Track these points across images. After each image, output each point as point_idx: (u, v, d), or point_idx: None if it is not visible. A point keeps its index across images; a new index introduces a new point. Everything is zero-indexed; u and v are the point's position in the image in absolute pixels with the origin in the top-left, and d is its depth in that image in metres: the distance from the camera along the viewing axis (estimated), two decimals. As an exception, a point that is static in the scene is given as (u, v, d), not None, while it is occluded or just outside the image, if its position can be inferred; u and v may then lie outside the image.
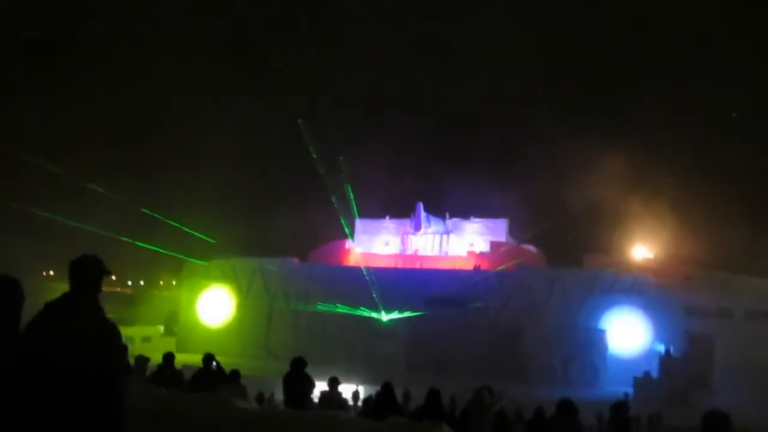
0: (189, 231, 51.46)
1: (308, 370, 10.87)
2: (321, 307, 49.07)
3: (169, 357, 11.84)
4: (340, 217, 56.11)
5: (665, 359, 39.91)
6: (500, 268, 50.84)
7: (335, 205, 54.66)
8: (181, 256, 53.10)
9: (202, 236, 52.23)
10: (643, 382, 38.53)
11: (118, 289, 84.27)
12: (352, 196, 55.86)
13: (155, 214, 50.74)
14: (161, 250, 51.73)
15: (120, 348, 4.23)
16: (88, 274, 4.26)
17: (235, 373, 11.44)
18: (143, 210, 51.06)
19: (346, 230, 58.40)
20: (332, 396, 12.12)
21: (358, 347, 45.85)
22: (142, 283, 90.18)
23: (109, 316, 4.32)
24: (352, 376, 29.13)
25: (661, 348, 41.52)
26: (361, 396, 26.30)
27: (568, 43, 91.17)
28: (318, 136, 54.12)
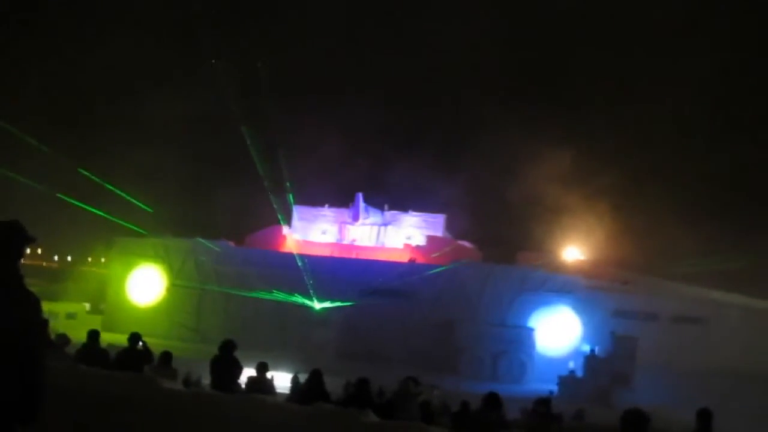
0: (126, 197, 49.90)
1: (238, 354, 10.75)
2: (254, 293, 48.57)
3: (93, 335, 11.53)
4: (273, 204, 55.51)
5: (590, 358, 40.92)
6: (434, 255, 51.30)
7: (268, 191, 54.05)
8: (117, 221, 51.15)
9: (141, 205, 50.73)
10: (567, 380, 39.42)
11: (44, 264, 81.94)
12: (288, 184, 55.40)
13: (94, 177, 49.11)
14: (96, 212, 49.85)
15: (39, 320, 4.08)
16: (7, 240, 4.07)
17: (166, 354, 11.22)
18: (82, 171, 49.27)
19: (279, 216, 57.87)
20: (260, 381, 12.01)
21: (290, 334, 45.60)
22: (69, 258, 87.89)
23: (33, 289, 4.15)
24: (283, 363, 28.93)
25: (587, 348, 42.52)
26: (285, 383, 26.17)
27: (520, 33, 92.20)
28: (258, 123, 53.44)
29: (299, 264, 48.46)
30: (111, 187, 49.17)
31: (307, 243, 56.77)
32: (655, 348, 40.94)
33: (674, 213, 58.91)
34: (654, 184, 71.73)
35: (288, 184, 55.73)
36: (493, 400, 9.00)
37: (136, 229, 51.75)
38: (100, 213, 49.33)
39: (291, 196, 57.08)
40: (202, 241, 52.98)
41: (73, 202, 48.27)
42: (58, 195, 47.33)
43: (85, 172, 48.88)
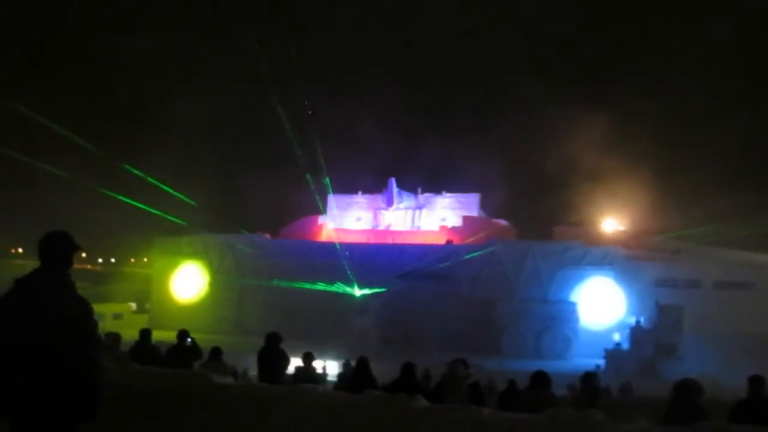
0: (168, 190, 50.74)
1: (282, 345, 10.86)
2: (294, 284, 48.94)
3: (145, 333, 11.75)
4: (314, 193, 55.93)
5: (635, 330, 40.54)
6: (470, 240, 51.12)
7: (309, 182, 54.42)
8: (158, 213, 51.88)
9: (183, 197, 51.49)
10: (613, 353, 39.16)
11: (89, 267, 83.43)
12: (326, 173, 55.68)
13: (136, 170, 50.10)
14: (138, 204, 50.77)
15: (92, 323, 4.19)
16: (58, 249, 4.20)
17: (216, 350, 11.38)
18: (125, 166, 50.28)
19: (319, 204, 58.25)
20: (307, 371, 12.14)
21: (331, 323, 45.86)
22: (113, 260, 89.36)
23: (80, 292, 4.27)
24: (325, 352, 29.19)
25: (632, 320, 42.09)
26: (330, 371, 26.41)
27: (552, 9, 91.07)
28: (292, 112, 53.75)
29: (337, 252, 48.71)
30: (153, 180, 50.01)
31: (342, 231, 56.98)
32: (700, 315, 40.33)
33: (713, 178, 57.96)
34: (692, 150, 70.50)
35: (325, 172, 56.03)
36: (541, 378, 8.96)
37: (176, 221, 52.44)
38: (142, 206, 50.19)
39: (329, 183, 57.31)
40: (240, 235, 53.52)
41: (115, 195, 49.20)
42: (100, 189, 48.24)
43: (127, 167, 49.86)
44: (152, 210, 50.68)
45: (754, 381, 7.19)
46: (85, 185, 47.73)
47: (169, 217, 51.39)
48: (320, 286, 48.76)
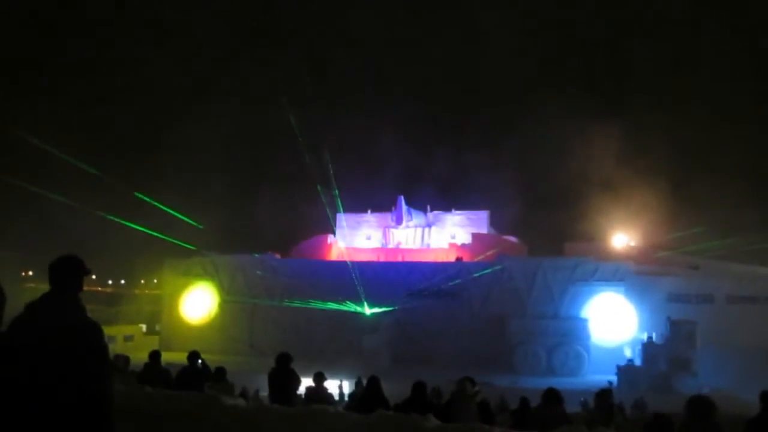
0: (175, 214, 51.07)
1: (293, 365, 10.85)
2: (304, 303, 48.94)
3: (155, 355, 11.78)
4: (326, 208, 56.13)
5: (647, 346, 40.23)
6: (479, 258, 51.04)
7: (322, 198, 54.67)
8: (167, 239, 52.26)
9: (190, 221, 51.82)
10: (626, 369, 38.84)
11: (99, 289, 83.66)
12: (336, 191, 55.90)
13: (143, 196, 50.48)
14: (148, 231, 51.11)
15: (103, 346, 4.21)
16: (68, 274, 4.23)
17: (220, 370, 11.39)
18: (136, 193, 50.71)
19: (331, 223, 58.42)
20: (318, 391, 12.11)
21: (342, 342, 45.78)
22: (122, 282, 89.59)
23: (90, 315, 4.29)
24: (337, 371, 29.12)
25: (644, 336, 41.81)
26: (346, 390, 26.34)
27: (565, 23, 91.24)
28: (303, 129, 54.13)
29: (347, 271, 48.70)
30: (161, 206, 50.31)
31: (352, 249, 56.99)
32: (713, 330, 40.02)
33: (722, 194, 57.69)
34: (703, 163, 70.30)
35: (335, 189, 56.24)
36: (552, 396, 8.93)
37: (185, 245, 52.74)
38: (151, 232, 50.44)
39: (339, 203, 57.53)
40: (249, 255, 53.61)
41: (123, 222, 49.47)
42: (108, 216, 48.53)
43: (137, 194, 50.19)
44: (161, 236, 51.04)
45: (766, 397, 7.14)
46: (94, 210, 48.02)
47: (178, 242, 51.69)
48: (331, 306, 48.71)
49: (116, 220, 49.76)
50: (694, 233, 50.82)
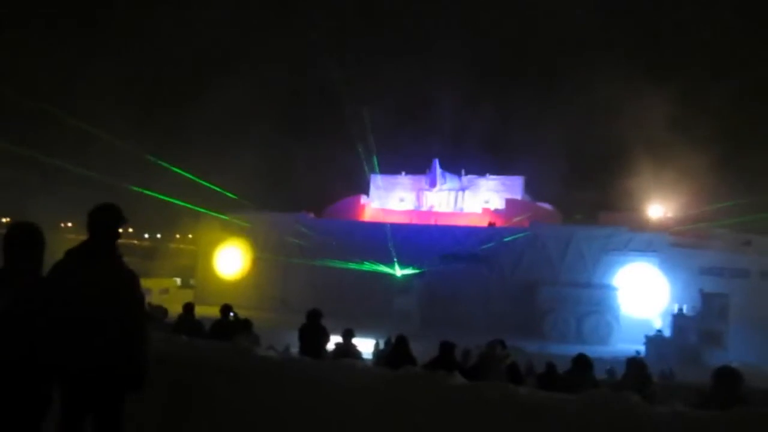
0: (209, 185, 51.64)
1: (324, 323, 11.01)
2: (336, 263, 49.32)
3: (189, 307, 12.03)
4: (365, 169, 56.23)
5: (678, 317, 40.00)
6: (513, 222, 50.87)
7: (362, 157, 54.75)
8: (197, 209, 53.21)
9: (223, 191, 52.43)
10: (654, 340, 38.69)
11: (135, 242, 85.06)
12: (374, 150, 55.93)
13: (172, 167, 50.95)
14: (176, 202, 51.91)
15: (140, 294, 4.33)
16: (106, 222, 4.33)
17: (246, 322, 11.61)
18: (158, 161, 51.20)
19: (369, 179, 58.52)
20: (347, 347, 12.28)
21: (373, 302, 46.15)
22: (159, 236, 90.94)
23: (128, 266, 4.41)
24: (367, 331, 29.39)
25: (675, 307, 41.55)
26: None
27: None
28: (337, 91, 54.01)
29: (379, 232, 48.90)
30: (194, 178, 50.83)
31: (385, 211, 57.17)
32: (746, 305, 39.60)
33: (760, 162, 56.50)
34: (740, 137, 68.72)
35: (374, 149, 56.27)
36: (582, 362, 8.99)
37: (219, 215, 53.44)
38: (186, 204, 51.11)
39: (376, 163, 57.56)
40: (284, 214, 54.04)
41: (158, 196, 50.13)
42: (139, 189, 49.13)
43: (170, 167, 50.67)
44: (195, 207, 51.63)
45: None
46: (135, 159, 48.66)
47: (211, 213, 52.16)
48: (363, 266, 49.04)
49: (141, 190, 50.34)
50: (734, 206, 49.97)
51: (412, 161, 60.34)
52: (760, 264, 45.02)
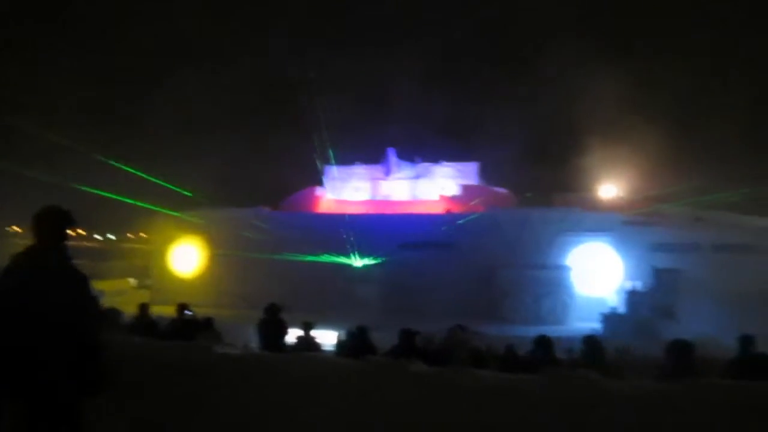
0: (162, 183, 50.93)
1: (284, 317, 10.97)
2: (294, 256, 49.08)
3: (144, 307, 11.87)
4: (317, 162, 56.02)
5: (631, 294, 40.80)
6: (473, 202, 51.28)
7: (315, 148, 54.57)
8: (150, 207, 52.40)
9: (177, 189, 51.76)
10: (609, 317, 39.40)
11: (86, 244, 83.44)
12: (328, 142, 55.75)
13: (124, 166, 50.12)
14: (129, 201, 51.07)
15: (91, 296, 4.24)
16: (53, 224, 4.22)
17: (208, 320, 11.52)
18: (109, 160, 50.30)
19: (321, 173, 58.30)
20: (307, 339, 12.27)
21: (333, 294, 46.04)
22: (111, 237, 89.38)
23: (77, 268, 4.31)
24: (329, 323, 29.32)
25: (629, 284, 42.34)
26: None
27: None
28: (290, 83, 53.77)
29: (337, 223, 48.81)
30: (146, 176, 50.06)
31: (341, 202, 57.08)
32: (698, 278, 40.55)
33: (711, 142, 57.84)
34: (690, 114, 70.22)
35: (328, 142, 56.11)
36: (543, 342, 9.13)
37: (173, 213, 52.79)
38: (139, 203, 50.32)
39: (331, 154, 57.40)
40: (239, 209, 53.54)
41: (109, 195, 49.25)
42: (89, 189, 48.22)
43: (121, 166, 49.81)
44: (148, 206, 50.90)
45: (743, 340, 7.44)
46: (85, 158, 47.74)
47: (165, 210, 51.53)
48: (322, 258, 48.88)
49: (91, 191, 49.43)
50: (688, 186, 51.13)
51: (366, 151, 60.35)
52: (710, 238, 46.15)
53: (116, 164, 50.04)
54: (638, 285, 41.42)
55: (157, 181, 50.38)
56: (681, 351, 6.58)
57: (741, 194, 47.98)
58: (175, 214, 54.21)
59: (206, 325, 11.34)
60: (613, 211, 48.55)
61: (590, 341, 10.76)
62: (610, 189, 55.31)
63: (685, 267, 41.20)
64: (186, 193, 51.19)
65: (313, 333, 11.82)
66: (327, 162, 59.63)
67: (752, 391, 4.03)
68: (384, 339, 11.63)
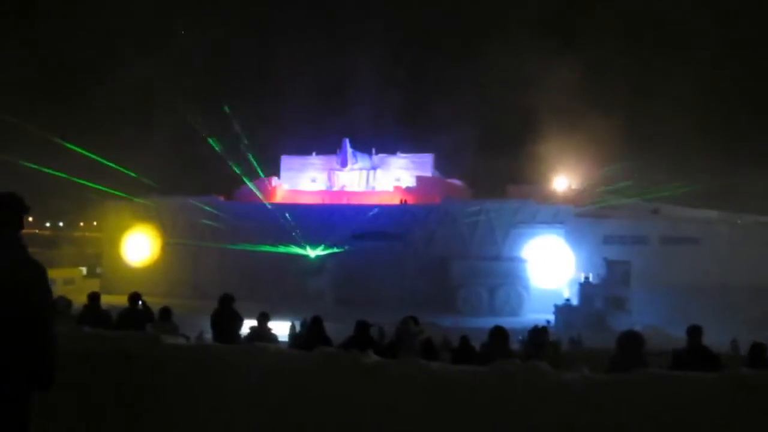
0: (115, 167, 49.94)
1: (237, 307, 10.86)
2: (248, 246, 48.73)
3: (94, 297, 11.60)
4: (249, 155, 55.51)
5: (584, 286, 41.50)
6: (424, 200, 51.45)
7: (245, 147, 54.13)
8: (103, 189, 51.26)
9: (129, 172, 50.81)
10: (563, 308, 40.04)
11: (37, 231, 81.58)
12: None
13: (77, 148, 49.04)
14: (82, 182, 49.97)
15: (47, 287, 4.13)
16: (7, 211, 4.11)
17: (165, 310, 11.34)
18: (59, 140, 49.15)
19: (258, 168, 57.53)
20: (261, 331, 12.16)
21: (287, 284, 45.96)
22: (61, 224, 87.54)
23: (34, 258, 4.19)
24: (282, 314, 29.20)
25: (582, 276, 43.05)
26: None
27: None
28: (242, 71, 53.07)
29: (291, 213, 48.59)
30: (100, 159, 49.06)
31: (296, 192, 56.88)
32: (647, 270, 41.46)
33: (659, 136, 58.94)
34: (643, 106, 71.42)
35: (284, 132, 55.60)
36: (498, 333, 9.16)
37: (124, 195, 51.80)
38: (92, 185, 49.27)
39: (257, 167, 57.00)
40: (193, 197, 52.88)
41: (60, 175, 48.11)
42: (37, 168, 47.11)
43: (75, 147, 48.67)
44: (100, 187, 49.88)
45: (692, 331, 7.62)
46: (36, 141, 46.61)
47: (115, 192, 50.60)
48: (276, 249, 48.65)
49: (53, 173, 48.30)
50: (639, 178, 52.09)
51: (322, 141, 60.11)
52: (659, 230, 47.18)
53: (68, 145, 48.83)
54: (590, 276, 42.13)
55: (109, 164, 49.33)
56: (631, 343, 6.70)
57: (691, 187, 49.09)
58: (127, 197, 53.12)
59: (163, 315, 11.15)
60: (565, 203, 49.22)
61: (535, 333, 10.88)
62: (563, 181, 56.07)
63: (635, 259, 42.06)
64: (135, 176, 50.24)
65: (269, 324, 11.71)
66: (282, 152, 59.28)
67: (699, 382, 4.12)
68: (337, 330, 11.62)
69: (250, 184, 55.74)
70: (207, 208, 51.62)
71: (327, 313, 13.46)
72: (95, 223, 70.66)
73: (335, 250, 48.44)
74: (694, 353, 7.28)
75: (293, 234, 48.09)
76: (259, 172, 57.02)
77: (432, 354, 9.52)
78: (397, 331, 9.49)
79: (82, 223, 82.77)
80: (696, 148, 56.87)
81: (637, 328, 28.14)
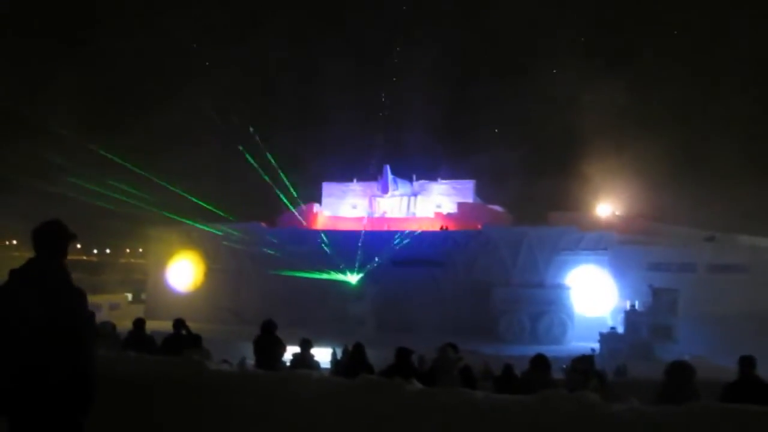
0: (164, 184, 50.53)
1: (279, 333, 10.88)
2: (290, 272, 48.94)
3: (139, 322, 11.77)
4: (287, 183, 55.79)
5: (630, 314, 40.67)
6: (465, 226, 51.15)
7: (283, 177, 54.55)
8: (156, 210, 51.74)
9: (182, 192, 51.35)
10: (608, 337, 39.27)
11: (84, 257, 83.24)
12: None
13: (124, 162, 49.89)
14: (168, 214, 50.65)
15: (88, 313, 4.19)
16: (51, 239, 4.19)
17: (197, 338, 11.42)
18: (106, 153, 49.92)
19: (287, 197, 57.72)
20: (304, 358, 12.16)
21: (327, 310, 45.92)
22: (108, 251, 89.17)
23: (75, 283, 4.26)
24: (322, 340, 29.20)
25: (627, 304, 42.26)
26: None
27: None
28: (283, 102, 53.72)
29: (333, 240, 48.75)
30: (141, 172, 49.79)
31: (338, 218, 57.05)
32: (694, 298, 40.53)
33: (705, 164, 57.92)
34: (690, 131, 70.21)
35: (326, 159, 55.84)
36: (540, 362, 9.02)
37: (172, 216, 52.31)
38: (139, 204, 50.02)
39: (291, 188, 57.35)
40: (236, 224, 53.29)
41: (115, 195, 48.90)
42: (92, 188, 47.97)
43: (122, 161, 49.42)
44: (150, 207, 50.50)
45: (743, 362, 7.35)
46: (78, 174, 47.50)
47: (165, 213, 51.18)
48: (317, 274, 48.75)
49: (105, 193, 49.15)
50: (685, 205, 51.22)
51: (363, 168, 60.34)
52: (706, 258, 46.21)
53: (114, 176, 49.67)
54: (636, 304, 41.33)
55: (182, 193, 49.87)
56: (682, 374, 6.51)
57: (738, 213, 48.10)
58: (173, 216, 53.38)
59: (194, 341, 11.23)
60: (609, 230, 48.55)
61: (579, 362, 10.66)
62: (606, 208, 55.37)
63: (681, 286, 41.19)
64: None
65: (312, 351, 11.71)
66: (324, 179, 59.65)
67: (755, 415, 3.98)
68: (377, 356, 11.55)
69: (293, 209, 56.02)
70: (249, 234, 52.07)
71: (367, 340, 13.42)
72: (140, 250, 71.78)
73: (376, 276, 48.35)
74: (747, 385, 7.03)
75: (339, 259, 48.19)
76: (297, 198, 57.38)
77: (471, 382, 9.41)
78: (436, 359, 9.41)
79: (128, 250, 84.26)
80: (747, 173, 55.52)
81: (685, 358, 27.54)
